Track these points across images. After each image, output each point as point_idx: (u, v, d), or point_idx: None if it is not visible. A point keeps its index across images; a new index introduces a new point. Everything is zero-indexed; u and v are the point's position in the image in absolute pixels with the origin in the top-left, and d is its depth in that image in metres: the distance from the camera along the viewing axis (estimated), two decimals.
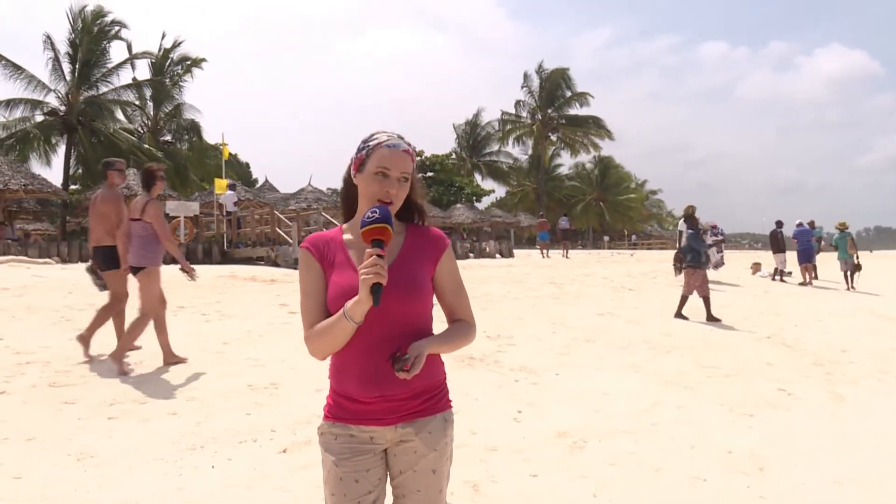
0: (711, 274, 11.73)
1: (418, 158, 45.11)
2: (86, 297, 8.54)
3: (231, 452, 3.69)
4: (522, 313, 8.83)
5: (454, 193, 43.99)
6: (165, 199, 20.77)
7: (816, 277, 15.73)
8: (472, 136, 52.45)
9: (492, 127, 52.31)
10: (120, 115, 30.67)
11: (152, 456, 3.61)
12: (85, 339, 5.75)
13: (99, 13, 28.17)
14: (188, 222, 21.08)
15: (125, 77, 30.16)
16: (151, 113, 33.55)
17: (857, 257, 14.41)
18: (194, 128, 33.53)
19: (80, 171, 29.58)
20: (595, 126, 49.95)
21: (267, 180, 33.44)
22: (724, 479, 3.52)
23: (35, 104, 27.69)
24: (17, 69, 26.98)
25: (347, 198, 1.76)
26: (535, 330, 7.67)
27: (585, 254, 29.78)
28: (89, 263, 6.40)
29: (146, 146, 29.56)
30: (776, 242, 16.02)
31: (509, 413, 4.57)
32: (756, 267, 17.52)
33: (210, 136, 34.25)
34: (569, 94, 49.71)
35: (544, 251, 24.58)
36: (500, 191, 54.77)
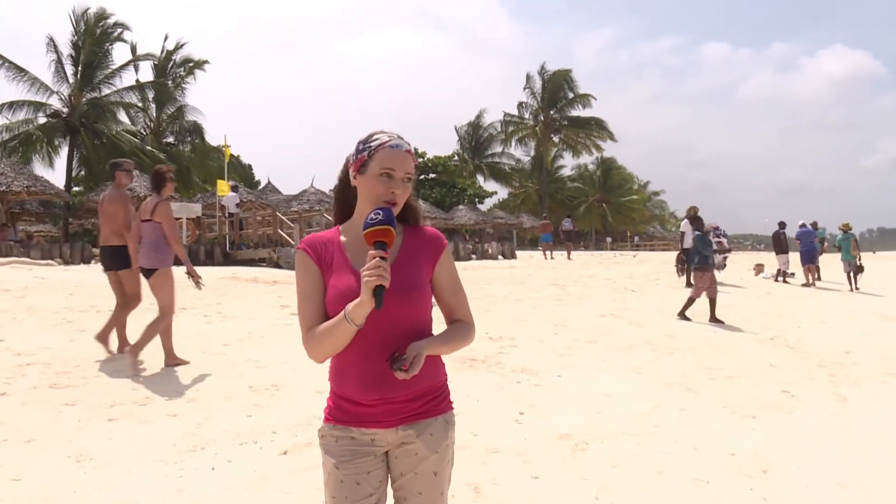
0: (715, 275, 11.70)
1: (420, 160, 45.21)
2: (87, 299, 8.55)
3: (231, 454, 3.68)
4: (524, 315, 8.81)
5: (457, 195, 43.97)
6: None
7: (819, 279, 15.71)
8: (475, 138, 52.45)
9: (494, 128, 52.37)
10: (123, 116, 30.87)
11: (152, 458, 3.60)
12: (103, 338, 5.81)
13: (102, 15, 28.31)
14: (190, 224, 21.10)
15: (128, 79, 30.31)
16: (154, 115, 33.66)
17: (860, 258, 14.36)
18: (197, 129, 33.63)
19: (82, 172, 29.72)
20: (597, 127, 49.92)
21: (270, 182, 33.47)
22: (727, 481, 3.50)
23: (38, 106, 27.81)
24: (20, 71, 27.13)
25: (343, 199, 1.74)
26: (536, 331, 7.65)
27: (588, 255, 29.73)
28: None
29: (149, 148, 29.67)
30: (779, 243, 15.97)
31: (511, 415, 4.55)
32: (759, 268, 17.47)
33: (213, 138, 34.32)
34: (571, 95, 49.67)
35: (547, 252, 24.55)
36: (502, 192, 54.89)
